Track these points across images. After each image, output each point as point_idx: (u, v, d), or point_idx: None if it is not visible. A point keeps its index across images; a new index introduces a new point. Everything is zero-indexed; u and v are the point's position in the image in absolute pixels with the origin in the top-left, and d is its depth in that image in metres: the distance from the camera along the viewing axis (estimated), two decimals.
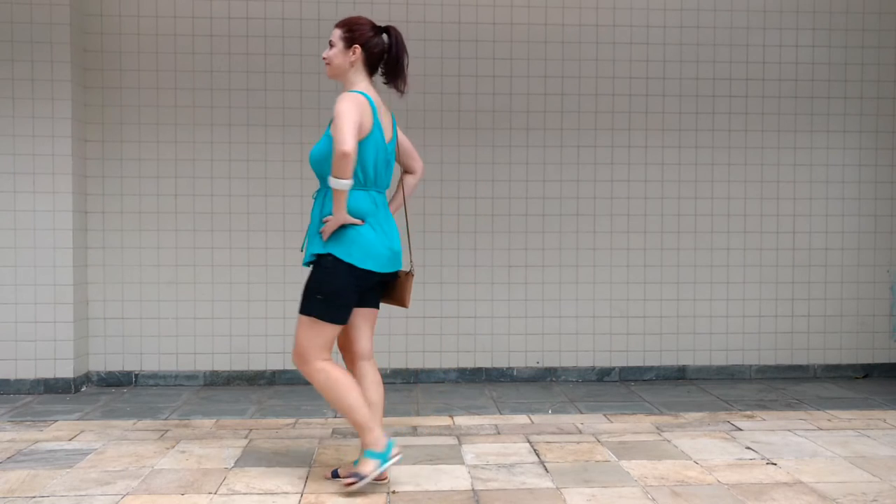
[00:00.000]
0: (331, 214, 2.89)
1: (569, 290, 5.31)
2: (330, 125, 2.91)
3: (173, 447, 3.59)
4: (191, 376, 5.12)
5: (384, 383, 5.10)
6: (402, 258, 3.11)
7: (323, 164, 2.95)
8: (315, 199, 3.05)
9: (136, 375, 5.10)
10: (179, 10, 5.07)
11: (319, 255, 2.93)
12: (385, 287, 3.16)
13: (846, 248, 5.45)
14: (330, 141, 2.89)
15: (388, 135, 3.05)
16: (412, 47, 5.12)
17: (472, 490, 3.03)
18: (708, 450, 3.56)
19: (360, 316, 3.09)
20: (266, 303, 5.16)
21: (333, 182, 2.80)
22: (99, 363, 5.09)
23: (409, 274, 3.13)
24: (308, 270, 3.01)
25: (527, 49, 5.24)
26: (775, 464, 3.36)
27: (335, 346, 3.05)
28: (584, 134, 5.29)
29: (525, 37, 5.24)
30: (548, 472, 3.26)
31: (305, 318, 2.94)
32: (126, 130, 5.06)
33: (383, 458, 2.97)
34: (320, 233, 2.93)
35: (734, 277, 5.39)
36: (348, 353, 3.17)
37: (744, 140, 5.37)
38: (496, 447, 3.61)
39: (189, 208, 5.10)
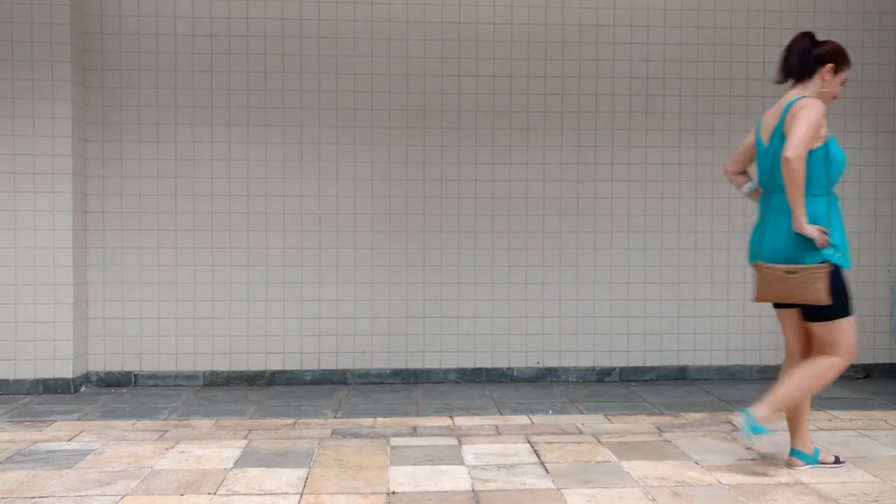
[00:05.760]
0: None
1: (569, 290, 5.31)
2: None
3: (173, 447, 3.59)
4: (190, 376, 5.11)
5: (384, 383, 5.16)
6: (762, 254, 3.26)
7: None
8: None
9: (136, 375, 5.09)
10: (179, 10, 5.06)
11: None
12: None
13: None
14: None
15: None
16: (412, 47, 5.20)
17: (472, 490, 3.03)
18: (709, 450, 3.56)
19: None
20: (266, 303, 5.15)
21: None
22: (98, 363, 5.08)
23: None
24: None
25: (527, 49, 5.24)
26: (776, 464, 3.35)
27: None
28: (584, 134, 5.29)
29: (525, 37, 5.23)
30: (548, 472, 3.25)
31: (851, 319, 3.18)
32: (126, 130, 5.06)
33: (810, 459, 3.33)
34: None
35: (734, 277, 5.38)
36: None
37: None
38: (496, 447, 3.61)
39: (189, 208, 5.10)
